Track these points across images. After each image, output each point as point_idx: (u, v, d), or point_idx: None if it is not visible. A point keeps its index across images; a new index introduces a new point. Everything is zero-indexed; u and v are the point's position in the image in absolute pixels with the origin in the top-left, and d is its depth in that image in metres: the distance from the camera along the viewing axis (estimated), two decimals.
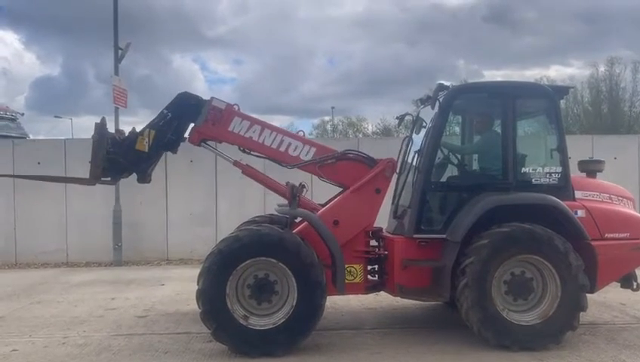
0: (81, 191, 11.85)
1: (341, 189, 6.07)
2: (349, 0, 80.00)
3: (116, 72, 11.96)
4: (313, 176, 6.12)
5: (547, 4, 59.99)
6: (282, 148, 5.89)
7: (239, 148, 6.01)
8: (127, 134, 5.92)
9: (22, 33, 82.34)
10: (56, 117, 38.64)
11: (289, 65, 75.49)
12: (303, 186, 6.14)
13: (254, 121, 5.92)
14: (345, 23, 75.46)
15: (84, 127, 73.02)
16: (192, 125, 5.92)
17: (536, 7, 61.08)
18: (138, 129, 5.80)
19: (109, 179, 6.00)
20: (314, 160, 5.88)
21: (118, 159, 5.71)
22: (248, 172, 6.08)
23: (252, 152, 6.01)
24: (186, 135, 5.99)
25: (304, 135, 6.16)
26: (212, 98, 5.89)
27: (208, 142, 6.06)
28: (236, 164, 6.01)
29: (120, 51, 12.07)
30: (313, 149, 5.93)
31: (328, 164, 5.91)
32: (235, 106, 5.92)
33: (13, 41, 76.73)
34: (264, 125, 5.92)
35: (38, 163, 11.83)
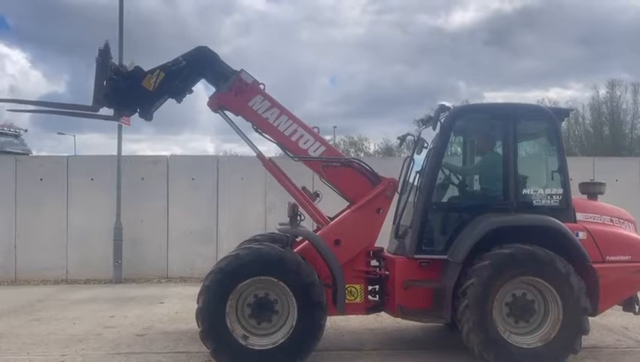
0: (82, 208, 11.92)
1: (347, 205, 6.08)
2: (351, 22, 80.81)
3: None
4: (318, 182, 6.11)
5: (546, 28, 60.64)
6: (294, 138, 5.92)
7: (252, 127, 6.04)
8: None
9: (29, 52, 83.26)
10: (59, 133, 38.46)
11: (291, 85, 75.90)
12: (317, 195, 6.15)
13: (275, 104, 5.95)
14: (347, 44, 76.14)
15: (87, 144, 73.36)
16: (202, 80, 6.02)
17: (536, 30, 61.75)
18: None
19: (111, 114, 6.02)
20: (320, 158, 5.92)
21: (121, 87, 5.77)
22: (269, 166, 6.09)
23: (264, 134, 6.02)
24: (193, 88, 6.07)
25: (319, 131, 6.14)
26: (242, 70, 5.97)
27: (227, 113, 6.04)
28: (260, 156, 6.06)
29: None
30: (323, 148, 5.97)
31: (333, 166, 5.94)
32: (261, 85, 5.98)
33: (20, 59, 77.48)
34: (283, 111, 5.95)
35: (41, 179, 11.90)
